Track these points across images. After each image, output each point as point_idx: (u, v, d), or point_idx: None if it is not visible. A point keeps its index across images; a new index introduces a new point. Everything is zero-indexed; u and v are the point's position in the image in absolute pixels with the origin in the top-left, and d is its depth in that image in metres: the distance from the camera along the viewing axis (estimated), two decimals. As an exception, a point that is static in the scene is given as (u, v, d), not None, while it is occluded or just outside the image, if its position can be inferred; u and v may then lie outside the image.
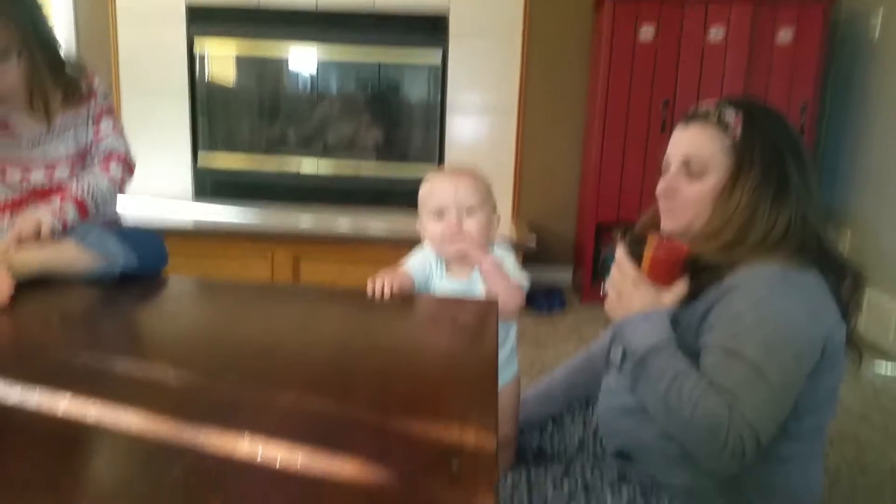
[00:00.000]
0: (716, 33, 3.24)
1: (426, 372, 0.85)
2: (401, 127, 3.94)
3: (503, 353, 1.45)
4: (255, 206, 3.72)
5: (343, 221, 3.45)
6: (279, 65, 3.84)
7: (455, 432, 0.66)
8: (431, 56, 3.66)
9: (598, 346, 1.63)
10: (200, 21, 3.67)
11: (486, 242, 1.41)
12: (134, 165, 1.40)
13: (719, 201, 1.27)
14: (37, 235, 1.17)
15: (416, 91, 3.87)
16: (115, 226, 1.36)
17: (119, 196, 1.39)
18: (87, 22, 3.72)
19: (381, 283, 1.22)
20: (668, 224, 1.35)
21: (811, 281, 1.20)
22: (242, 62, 3.84)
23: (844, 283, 1.25)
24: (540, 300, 3.24)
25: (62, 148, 1.31)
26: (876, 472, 1.92)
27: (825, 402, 1.24)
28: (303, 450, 0.63)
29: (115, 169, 1.35)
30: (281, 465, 0.61)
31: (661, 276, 1.23)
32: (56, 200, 1.25)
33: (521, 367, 2.40)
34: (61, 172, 1.31)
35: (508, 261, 1.42)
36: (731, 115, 1.29)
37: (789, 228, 1.23)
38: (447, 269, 1.43)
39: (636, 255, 1.25)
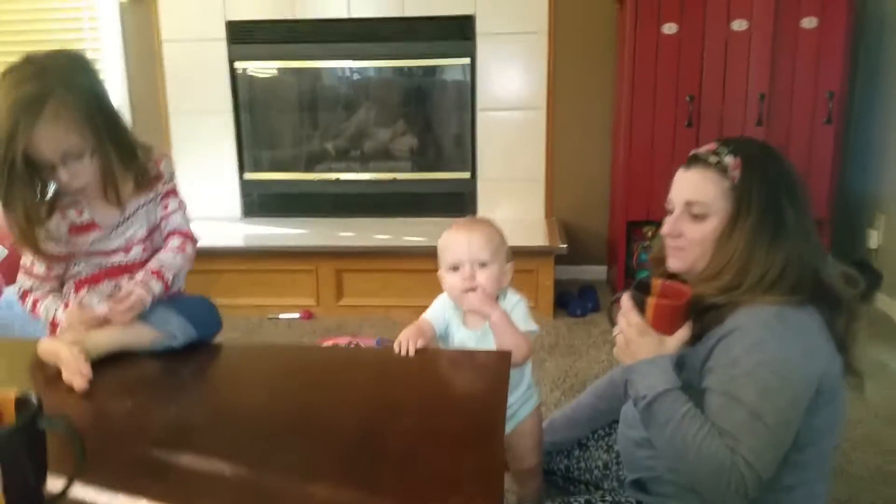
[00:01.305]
0: (739, 24, 3.25)
1: (441, 453, 0.97)
2: (432, 131, 4.06)
3: (519, 392, 1.57)
4: (299, 220, 3.90)
5: (382, 233, 3.58)
6: (315, 74, 4.00)
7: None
8: (460, 56, 3.76)
9: (620, 370, 1.73)
10: (240, 36, 3.83)
11: (497, 294, 1.52)
12: (197, 240, 1.54)
13: (719, 244, 1.35)
14: (138, 311, 1.34)
15: (446, 93, 3.98)
16: (178, 296, 1.50)
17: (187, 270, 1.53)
18: (134, 45, 3.90)
19: (407, 343, 1.35)
20: (673, 263, 1.42)
21: (806, 320, 1.27)
22: (281, 73, 4.00)
23: (840, 316, 1.32)
24: (573, 303, 3.32)
25: (136, 229, 1.45)
26: (898, 481, 1.92)
27: (825, 432, 1.31)
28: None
29: (189, 247, 1.50)
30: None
31: (665, 323, 1.31)
32: (146, 277, 1.39)
33: (554, 377, 2.53)
34: (136, 250, 1.46)
35: (519, 309, 1.53)
36: (730, 160, 1.36)
37: (786, 268, 1.30)
38: (464, 318, 1.55)
39: (641, 301, 1.34)
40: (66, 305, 1.41)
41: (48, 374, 1.25)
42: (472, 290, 1.48)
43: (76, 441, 0.81)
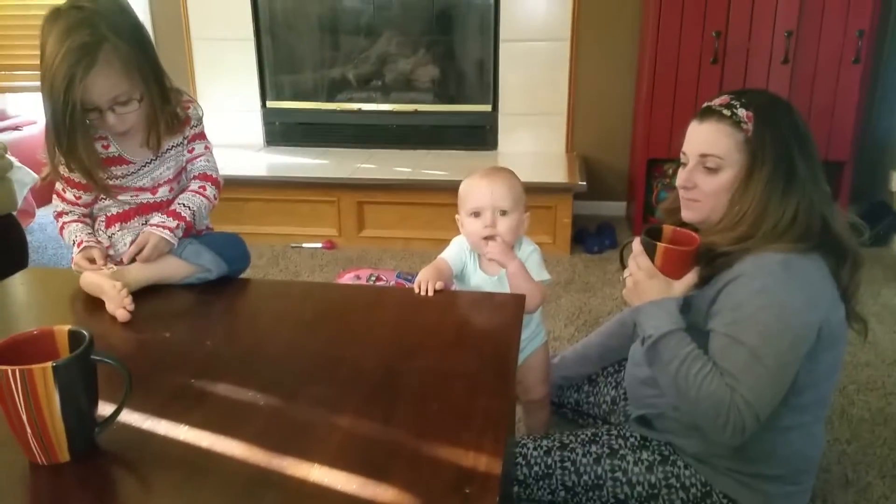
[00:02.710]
0: (769, -43, 3.16)
1: (457, 388, 1.04)
2: (454, 62, 4.03)
3: (529, 329, 1.64)
4: (320, 150, 3.95)
5: (402, 165, 3.62)
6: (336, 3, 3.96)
7: (470, 459, 0.86)
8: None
9: (630, 311, 1.79)
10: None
11: (515, 242, 1.57)
12: (221, 183, 1.60)
13: (735, 195, 1.38)
14: (162, 253, 1.42)
15: (469, 23, 3.92)
16: (206, 232, 1.57)
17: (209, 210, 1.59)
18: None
19: (426, 284, 1.41)
20: (687, 214, 1.46)
21: (811, 267, 1.32)
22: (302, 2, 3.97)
23: (845, 265, 1.37)
24: (591, 240, 3.35)
25: (164, 170, 1.51)
26: (896, 422, 1.96)
27: (824, 376, 1.38)
28: (355, 476, 0.83)
29: (210, 189, 1.56)
30: (340, 491, 0.81)
31: (673, 267, 1.37)
32: (166, 219, 1.46)
33: (569, 312, 2.60)
34: (164, 189, 1.52)
35: (533, 259, 1.58)
36: (743, 113, 1.38)
37: (797, 217, 1.34)
38: (481, 263, 1.61)
39: (652, 246, 1.39)
40: (96, 241, 1.48)
41: (89, 304, 1.34)
42: (492, 237, 1.53)
43: (125, 373, 0.89)
